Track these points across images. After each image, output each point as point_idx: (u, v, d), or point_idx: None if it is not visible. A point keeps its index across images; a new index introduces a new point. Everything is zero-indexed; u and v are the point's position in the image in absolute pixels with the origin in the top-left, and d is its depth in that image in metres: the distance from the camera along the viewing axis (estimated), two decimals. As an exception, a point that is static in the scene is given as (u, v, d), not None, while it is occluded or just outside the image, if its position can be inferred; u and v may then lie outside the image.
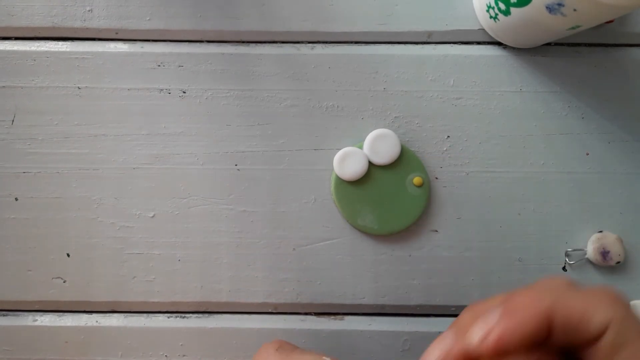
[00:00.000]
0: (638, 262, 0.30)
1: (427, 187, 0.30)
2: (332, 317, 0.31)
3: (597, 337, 0.17)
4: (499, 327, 0.18)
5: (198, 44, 0.31)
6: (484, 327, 0.18)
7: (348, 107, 0.31)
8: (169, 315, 0.31)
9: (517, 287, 0.20)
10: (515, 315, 0.18)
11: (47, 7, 0.31)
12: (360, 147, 0.30)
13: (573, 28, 0.26)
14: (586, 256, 0.30)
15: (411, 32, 0.31)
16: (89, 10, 0.31)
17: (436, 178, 0.30)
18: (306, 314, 0.31)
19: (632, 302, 0.30)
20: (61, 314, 0.31)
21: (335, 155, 0.30)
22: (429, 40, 0.31)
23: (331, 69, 0.31)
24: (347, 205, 0.30)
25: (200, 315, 0.31)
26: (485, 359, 0.18)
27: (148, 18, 0.31)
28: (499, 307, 0.19)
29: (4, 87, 0.31)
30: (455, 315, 0.24)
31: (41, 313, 0.31)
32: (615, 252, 0.29)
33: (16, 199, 0.30)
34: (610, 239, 0.30)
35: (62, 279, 0.30)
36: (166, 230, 0.30)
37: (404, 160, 0.30)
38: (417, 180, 0.30)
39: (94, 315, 0.31)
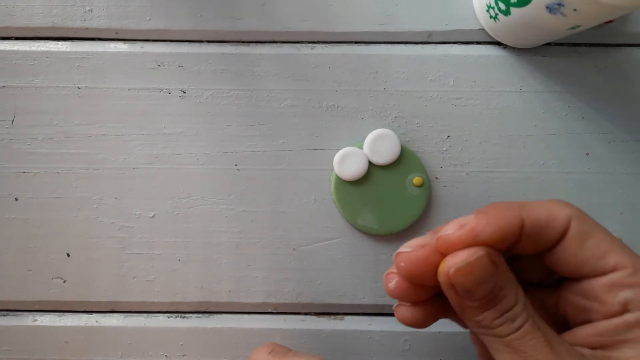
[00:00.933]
0: (638, 262, 0.30)
1: (427, 187, 0.30)
2: (332, 317, 0.31)
3: (563, 234, 0.19)
4: (474, 220, 0.19)
5: (198, 44, 0.31)
6: (459, 221, 0.20)
7: (348, 107, 0.31)
8: (169, 315, 0.31)
9: None
10: (489, 213, 0.19)
11: (47, 7, 0.31)
12: (360, 147, 0.30)
13: (573, 28, 0.26)
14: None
15: (411, 32, 0.31)
16: (89, 10, 0.31)
17: (436, 178, 0.30)
18: (306, 314, 0.31)
19: None
20: (61, 314, 0.31)
21: (335, 155, 0.30)
22: (429, 40, 0.31)
23: (331, 69, 0.31)
24: (347, 205, 0.30)
25: (200, 315, 0.31)
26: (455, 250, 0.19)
27: (148, 18, 0.31)
28: (473, 211, 0.20)
29: (4, 87, 0.31)
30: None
31: (41, 313, 0.31)
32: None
33: (16, 199, 0.30)
34: None
35: (62, 279, 0.30)
36: (166, 230, 0.30)
37: (404, 160, 0.30)
38: (417, 180, 0.30)
39: (94, 315, 0.31)
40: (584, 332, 0.20)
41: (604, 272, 0.19)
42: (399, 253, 0.21)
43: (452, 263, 0.19)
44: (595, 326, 0.19)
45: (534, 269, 0.22)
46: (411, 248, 0.21)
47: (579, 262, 0.19)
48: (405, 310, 0.22)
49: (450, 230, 0.19)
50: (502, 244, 0.19)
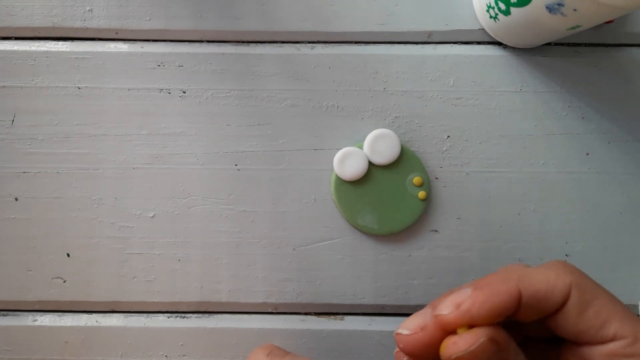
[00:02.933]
0: (639, 262, 0.30)
1: (427, 187, 0.30)
2: (332, 317, 0.31)
3: (563, 303, 0.19)
4: (470, 299, 0.19)
5: (198, 44, 0.31)
6: (455, 299, 0.19)
7: (348, 107, 0.31)
8: (169, 315, 0.31)
9: None
10: (485, 289, 0.19)
11: (47, 7, 0.31)
12: (360, 147, 0.30)
13: (573, 28, 0.26)
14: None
15: (411, 32, 0.31)
16: (89, 10, 0.31)
17: (436, 178, 0.30)
18: (306, 314, 0.31)
19: None
20: (61, 314, 0.31)
21: (335, 155, 0.30)
22: (429, 40, 0.31)
23: (331, 69, 0.31)
24: (347, 205, 0.30)
25: (200, 315, 0.31)
26: (457, 330, 0.19)
27: (148, 18, 0.31)
28: (470, 285, 0.20)
29: (4, 87, 0.31)
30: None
31: (41, 313, 0.31)
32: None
33: (16, 199, 0.30)
34: None
35: (62, 279, 0.30)
36: (166, 230, 0.30)
37: (404, 160, 0.30)
38: (417, 180, 0.30)
39: (94, 315, 0.31)
40: None
41: (604, 342, 0.19)
42: (398, 334, 0.20)
43: (452, 351, 0.18)
44: None
45: (536, 325, 0.21)
46: (410, 331, 0.20)
47: (579, 331, 0.19)
48: None
49: (447, 310, 0.19)
50: (498, 319, 0.19)
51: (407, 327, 0.20)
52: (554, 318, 0.20)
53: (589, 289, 0.19)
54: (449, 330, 0.19)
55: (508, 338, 0.19)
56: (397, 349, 0.21)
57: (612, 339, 0.19)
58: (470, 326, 0.19)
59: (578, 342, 0.20)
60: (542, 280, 0.19)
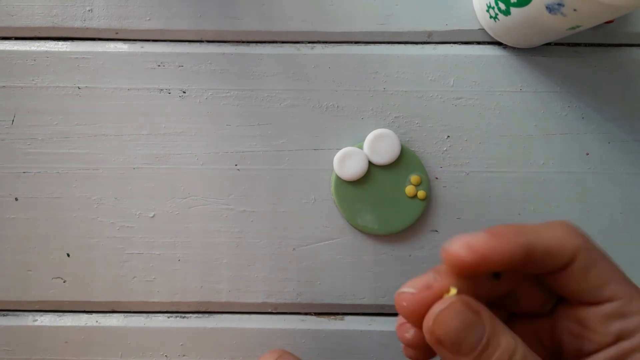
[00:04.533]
0: (638, 262, 0.30)
1: (427, 187, 0.30)
2: (332, 317, 0.31)
3: (570, 263, 0.19)
4: (483, 241, 0.19)
5: (198, 44, 0.31)
6: (469, 240, 0.19)
7: (348, 107, 0.31)
8: (169, 315, 0.31)
9: None
10: (499, 237, 0.19)
11: (47, 7, 0.31)
12: (360, 147, 0.30)
13: (573, 28, 0.26)
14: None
15: (411, 32, 0.31)
16: (89, 10, 0.31)
17: (436, 178, 0.30)
18: (306, 314, 0.31)
19: None
20: (61, 314, 0.31)
21: (335, 155, 0.30)
22: (429, 40, 0.31)
23: (331, 69, 0.31)
24: (347, 205, 0.30)
25: (200, 315, 0.31)
26: (459, 274, 0.19)
27: (148, 18, 0.31)
28: (483, 231, 0.20)
29: (4, 87, 0.31)
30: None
31: (41, 313, 0.31)
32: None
33: (16, 199, 0.30)
34: None
35: (62, 279, 0.30)
36: (166, 230, 0.30)
37: (404, 160, 0.30)
38: (416, 180, 0.30)
39: (94, 315, 0.31)
40: None
41: (601, 302, 0.19)
42: (401, 293, 0.20)
43: (429, 316, 0.18)
44: (591, 358, 0.19)
45: (528, 298, 0.22)
46: (415, 289, 0.19)
47: (580, 290, 0.20)
48: (415, 354, 0.22)
49: (459, 248, 0.19)
50: (505, 268, 0.19)
51: (413, 286, 0.19)
52: (557, 276, 0.20)
53: (595, 251, 0.20)
54: (455, 271, 0.19)
55: (489, 311, 0.19)
56: (402, 321, 0.21)
57: (609, 300, 0.19)
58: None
59: (576, 302, 0.20)
60: (554, 238, 0.20)
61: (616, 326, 0.19)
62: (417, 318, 0.19)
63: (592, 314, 0.20)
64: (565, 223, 0.21)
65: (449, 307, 0.18)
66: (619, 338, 0.19)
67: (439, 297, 0.19)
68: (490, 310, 0.19)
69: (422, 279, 0.20)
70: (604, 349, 0.19)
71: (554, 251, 0.19)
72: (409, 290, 0.19)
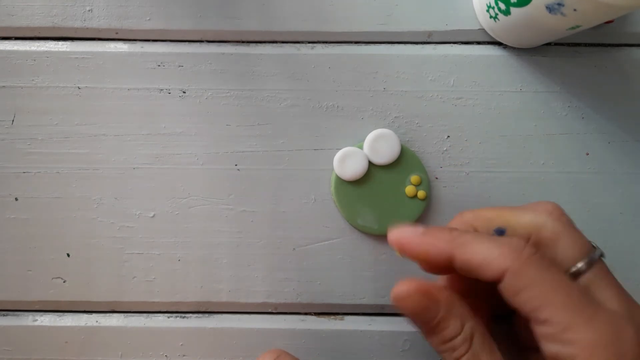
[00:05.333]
0: (638, 262, 0.30)
1: (427, 187, 0.30)
2: (332, 317, 0.31)
3: (497, 281, 0.20)
4: (412, 235, 0.22)
5: (198, 44, 0.31)
6: (406, 230, 0.22)
7: (348, 107, 0.31)
8: (169, 315, 0.31)
9: None
10: (427, 236, 0.22)
11: (47, 7, 0.31)
12: (360, 147, 0.30)
13: (573, 28, 0.26)
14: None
15: (411, 32, 0.31)
16: (89, 10, 0.31)
17: (436, 178, 0.30)
18: (306, 314, 0.31)
19: None
20: (61, 314, 0.31)
21: (335, 155, 0.30)
22: (429, 40, 0.31)
23: (331, 69, 0.31)
24: (347, 205, 0.30)
25: (200, 315, 0.31)
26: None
27: (148, 18, 0.31)
28: (426, 228, 0.22)
29: (4, 87, 0.31)
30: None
31: (41, 313, 0.31)
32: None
33: (16, 199, 0.30)
34: None
35: (62, 279, 0.30)
36: (166, 230, 0.30)
37: (404, 160, 0.30)
38: (416, 180, 0.30)
39: (94, 315, 0.31)
40: None
41: (537, 322, 0.19)
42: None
43: (393, 290, 0.21)
44: None
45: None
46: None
47: (515, 306, 0.20)
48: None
49: (402, 230, 0.22)
50: (428, 263, 0.22)
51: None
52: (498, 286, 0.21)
53: (526, 276, 0.19)
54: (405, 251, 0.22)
55: (453, 299, 0.21)
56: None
57: (544, 323, 0.19)
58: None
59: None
60: (480, 255, 0.20)
61: (552, 348, 0.19)
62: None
63: (535, 329, 0.20)
64: (508, 242, 0.20)
65: (405, 293, 0.21)
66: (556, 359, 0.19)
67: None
68: (452, 298, 0.21)
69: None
70: None
71: (477, 266, 0.20)
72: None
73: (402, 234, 0.22)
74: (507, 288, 0.20)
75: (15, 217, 0.30)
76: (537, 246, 0.21)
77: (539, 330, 0.19)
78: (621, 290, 0.21)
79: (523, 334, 0.23)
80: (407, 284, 0.21)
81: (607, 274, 0.21)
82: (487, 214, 0.23)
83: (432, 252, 0.21)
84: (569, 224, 0.22)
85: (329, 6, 0.31)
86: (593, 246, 0.22)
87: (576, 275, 0.21)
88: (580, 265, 0.21)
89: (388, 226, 0.30)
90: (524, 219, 0.22)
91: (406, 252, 0.22)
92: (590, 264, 0.21)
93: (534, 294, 0.19)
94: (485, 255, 0.20)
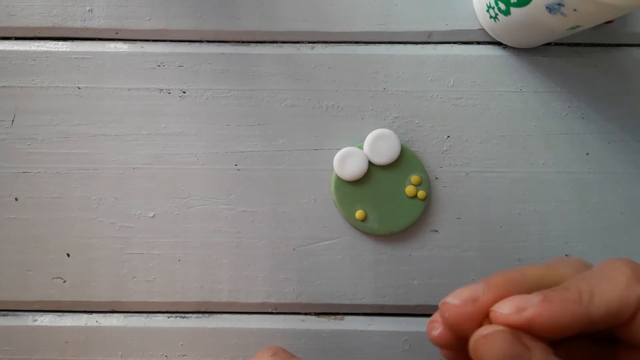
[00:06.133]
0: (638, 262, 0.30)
1: (427, 187, 0.30)
2: (332, 317, 0.31)
3: (634, 316, 0.18)
4: (536, 307, 0.18)
5: (198, 44, 0.31)
6: (519, 303, 0.18)
7: (348, 107, 0.31)
8: (169, 315, 0.31)
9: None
10: (555, 304, 0.18)
11: (47, 7, 0.31)
12: (360, 147, 0.30)
13: (573, 28, 0.26)
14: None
15: (411, 32, 0.31)
16: (89, 10, 0.31)
17: (436, 178, 0.30)
18: (306, 314, 0.31)
19: None
20: (61, 314, 0.31)
21: (335, 155, 0.30)
22: (429, 40, 0.31)
23: (331, 69, 0.31)
24: (347, 205, 0.30)
25: (200, 315, 0.31)
26: (505, 327, 0.18)
27: (148, 18, 0.31)
28: (539, 293, 0.18)
29: (4, 87, 0.31)
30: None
31: (41, 313, 0.31)
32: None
33: (16, 199, 0.30)
34: None
35: (62, 279, 0.30)
36: (166, 230, 0.30)
37: (404, 160, 0.30)
38: (416, 180, 0.30)
39: (94, 315, 0.31)
40: None
41: None
42: (445, 302, 0.19)
43: (474, 336, 0.18)
44: None
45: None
46: (459, 301, 0.19)
47: None
48: (449, 354, 0.21)
49: (507, 310, 0.18)
50: (559, 336, 0.18)
51: (458, 297, 0.19)
52: (622, 327, 0.18)
53: None
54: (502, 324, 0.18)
55: (545, 348, 0.18)
56: (434, 319, 0.20)
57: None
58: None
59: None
60: (614, 296, 0.18)
61: None
62: (457, 331, 0.19)
63: None
64: (623, 264, 0.18)
65: (493, 335, 0.17)
66: None
67: (483, 312, 0.18)
68: (549, 349, 0.17)
69: (470, 289, 0.19)
70: None
71: (616, 311, 0.18)
72: (453, 301, 0.19)
73: (524, 304, 0.18)
74: None
75: (15, 217, 0.30)
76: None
77: None
78: None
79: None
80: (493, 328, 0.17)
81: None
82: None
83: (566, 323, 0.17)
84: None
85: (329, 6, 0.31)
86: None
87: None
88: None
89: (388, 226, 0.30)
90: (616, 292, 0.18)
91: (534, 330, 0.17)
92: None
93: None
94: (620, 294, 0.18)
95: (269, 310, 0.31)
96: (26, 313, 0.31)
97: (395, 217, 0.30)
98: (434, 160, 0.30)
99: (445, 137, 0.30)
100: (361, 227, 0.30)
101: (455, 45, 0.31)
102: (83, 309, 0.31)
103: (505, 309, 0.18)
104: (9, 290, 0.30)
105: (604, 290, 0.18)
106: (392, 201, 0.30)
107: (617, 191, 0.30)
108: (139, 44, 0.31)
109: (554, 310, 0.17)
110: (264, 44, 0.31)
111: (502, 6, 0.27)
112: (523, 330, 0.18)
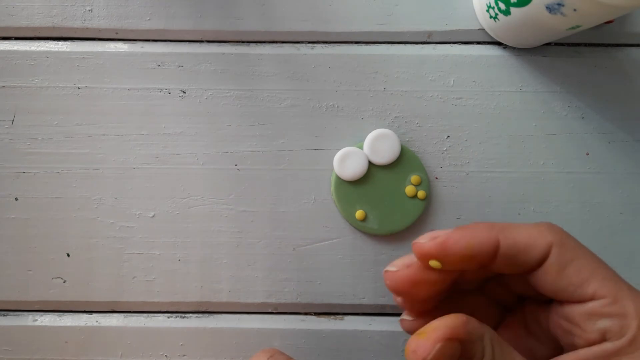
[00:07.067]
0: (638, 262, 0.30)
1: (427, 187, 0.30)
2: (332, 317, 0.31)
3: (542, 260, 0.20)
4: (447, 234, 0.20)
5: (198, 44, 0.31)
6: (434, 233, 0.21)
7: (348, 107, 0.31)
8: (169, 315, 0.31)
9: None
10: (465, 230, 0.20)
11: (47, 7, 0.31)
12: (360, 147, 0.30)
13: (573, 28, 0.26)
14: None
15: (411, 32, 0.31)
16: (89, 10, 0.31)
17: (436, 178, 0.30)
18: (306, 314, 0.31)
19: None
20: (61, 314, 0.31)
21: (335, 155, 0.30)
22: (429, 40, 0.31)
23: (331, 69, 0.31)
24: (347, 205, 0.30)
25: (200, 315, 0.31)
26: (418, 332, 0.19)
27: (148, 18, 0.31)
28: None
29: (4, 87, 0.31)
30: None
31: (41, 313, 0.31)
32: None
33: (16, 199, 0.30)
34: None
35: (62, 279, 0.30)
36: (166, 230, 0.30)
37: (404, 160, 0.30)
38: (416, 180, 0.30)
39: (94, 315, 0.31)
40: (567, 359, 0.20)
41: (583, 300, 0.19)
42: (386, 271, 0.22)
43: (407, 346, 0.19)
44: (578, 353, 0.19)
45: (524, 284, 0.22)
46: (396, 267, 0.21)
47: (558, 289, 0.20)
48: (408, 323, 0.23)
49: (424, 239, 0.20)
50: (471, 261, 0.20)
51: (395, 265, 0.22)
52: (534, 275, 0.20)
53: (570, 247, 0.20)
54: (422, 260, 0.21)
55: (474, 328, 0.19)
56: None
57: (591, 298, 0.19)
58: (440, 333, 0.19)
59: (559, 300, 0.20)
60: (524, 234, 0.20)
61: (601, 324, 0.19)
62: (398, 292, 0.22)
63: (576, 311, 0.19)
64: (545, 223, 0.21)
65: (436, 354, 0.18)
66: (603, 338, 0.19)
67: (419, 271, 0.21)
68: (480, 327, 0.19)
69: (405, 258, 0.21)
70: (590, 347, 0.19)
71: (524, 247, 0.20)
72: (391, 269, 0.21)
73: (438, 234, 0.20)
74: (552, 266, 0.19)
75: (15, 217, 0.30)
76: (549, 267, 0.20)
77: (584, 309, 0.19)
78: None
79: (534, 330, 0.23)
80: (430, 344, 0.18)
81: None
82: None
83: (476, 244, 0.20)
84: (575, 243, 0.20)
85: (329, 6, 0.31)
86: None
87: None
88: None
89: (388, 226, 0.30)
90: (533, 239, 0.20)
91: (448, 252, 0.20)
92: None
93: (581, 265, 0.19)
94: (530, 233, 0.20)
95: (269, 310, 0.31)
96: (26, 313, 0.31)
97: (395, 217, 0.30)
98: (434, 160, 0.30)
99: (445, 137, 0.30)
100: (361, 227, 0.30)
101: (455, 45, 0.31)
102: (83, 309, 0.31)
103: (422, 239, 0.21)
104: (9, 290, 0.30)
105: (516, 229, 0.20)
106: (392, 201, 0.30)
107: (617, 191, 0.30)
108: (139, 43, 0.31)
109: (464, 234, 0.20)
110: (264, 44, 0.31)
111: (502, 6, 0.27)
112: (439, 257, 0.20)
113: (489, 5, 0.29)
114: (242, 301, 0.30)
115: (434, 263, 0.20)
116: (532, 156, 0.30)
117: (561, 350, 0.21)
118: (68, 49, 0.31)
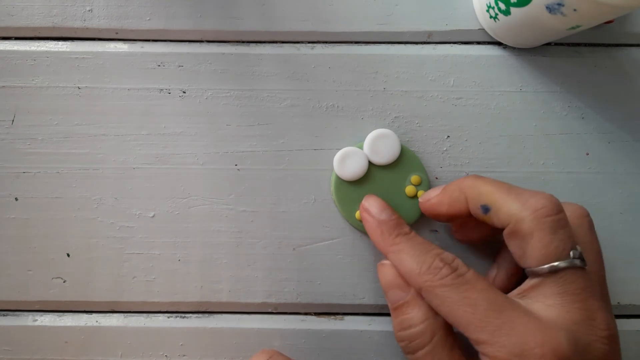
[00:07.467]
0: (638, 262, 0.30)
1: (427, 187, 0.30)
2: (332, 317, 0.31)
3: (503, 225, 0.24)
4: (434, 194, 0.27)
5: (198, 44, 0.31)
6: (428, 194, 0.28)
7: (348, 107, 0.31)
8: (169, 315, 0.31)
9: None
10: (445, 194, 0.27)
11: (47, 7, 0.31)
12: (360, 147, 0.30)
13: (573, 28, 0.26)
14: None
15: (411, 32, 0.31)
16: (89, 10, 0.31)
17: (436, 178, 0.30)
18: (306, 314, 0.31)
19: None
20: (61, 314, 0.31)
21: (335, 155, 0.30)
22: (429, 40, 0.31)
23: (331, 69, 0.31)
24: (347, 205, 0.30)
25: (200, 315, 0.31)
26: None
27: (148, 18, 0.31)
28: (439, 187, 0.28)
29: (4, 87, 0.31)
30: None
31: (41, 313, 0.31)
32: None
33: (16, 199, 0.30)
34: None
35: (62, 279, 0.30)
36: (166, 230, 0.30)
37: (404, 160, 0.30)
38: (416, 180, 0.30)
39: (94, 315, 0.31)
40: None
41: (503, 225, 0.24)
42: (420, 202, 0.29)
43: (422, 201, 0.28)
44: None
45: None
46: (423, 200, 0.29)
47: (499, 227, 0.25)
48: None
49: (423, 199, 0.28)
50: (453, 217, 0.27)
51: (424, 196, 0.29)
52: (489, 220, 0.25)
53: (534, 226, 0.23)
54: (428, 213, 0.28)
55: (416, 292, 0.25)
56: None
57: (505, 223, 0.24)
58: None
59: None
60: (490, 197, 0.25)
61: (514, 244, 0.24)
62: (430, 216, 0.29)
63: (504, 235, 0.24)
64: (470, 176, 0.26)
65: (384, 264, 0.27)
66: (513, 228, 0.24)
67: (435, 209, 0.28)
68: (422, 299, 0.25)
69: (431, 191, 0.28)
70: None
71: (480, 203, 0.25)
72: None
73: (430, 195, 0.28)
74: (509, 231, 0.24)
75: (15, 217, 0.30)
76: (512, 235, 0.23)
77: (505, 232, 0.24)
78: (589, 302, 0.22)
79: None
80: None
81: (576, 283, 0.22)
82: (483, 188, 0.25)
83: (449, 193, 0.26)
84: (549, 225, 0.22)
85: (329, 6, 0.31)
86: (571, 254, 0.22)
87: (534, 275, 0.23)
88: (540, 268, 0.22)
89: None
90: (509, 208, 0.23)
91: (436, 212, 0.27)
92: (554, 271, 0.22)
93: (539, 242, 0.23)
94: (500, 196, 0.24)
95: (269, 310, 0.31)
96: (26, 313, 0.31)
97: (395, 217, 0.30)
98: (434, 160, 0.30)
99: (445, 137, 0.30)
100: (361, 227, 0.30)
101: (455, 45, 0.31)
102: (83, 309, 0.31)
103: (422, 197, 0.28)
104: (9, 290, 0.30)
105: (477, 189, 0.25)
106: (392, 201, 0.30)
107: (617, 191, 0.30)
108: (139, 43, 0.31)
109: (442, 199, 0.27)
110: (264, 44, 0.31)
111: (502, 6, 0.27)
112: (430, 214, 0.28)
113: (489, 5, 0.29)
114: (242, 301, 0.30)
115: (420, 192, 0.29)
116: (532, 156, 0.30)
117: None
118: (68, 49, 0.31)
